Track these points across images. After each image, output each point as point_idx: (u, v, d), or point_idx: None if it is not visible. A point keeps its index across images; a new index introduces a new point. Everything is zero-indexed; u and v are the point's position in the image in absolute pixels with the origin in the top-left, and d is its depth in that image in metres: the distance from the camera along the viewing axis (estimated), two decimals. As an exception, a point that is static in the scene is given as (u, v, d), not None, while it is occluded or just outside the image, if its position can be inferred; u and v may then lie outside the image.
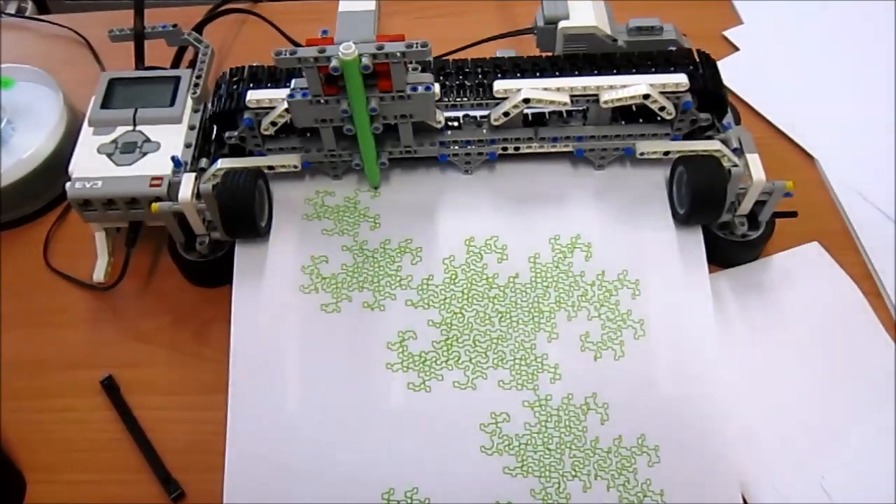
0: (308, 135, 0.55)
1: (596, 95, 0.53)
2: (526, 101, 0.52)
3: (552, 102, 0.52)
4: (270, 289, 0.53)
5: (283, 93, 0.51)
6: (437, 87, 0.52)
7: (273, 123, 0.53)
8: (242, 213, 0.52)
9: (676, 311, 0.51)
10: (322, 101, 0.48)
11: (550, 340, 0.50)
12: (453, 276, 0.52)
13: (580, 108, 0.55)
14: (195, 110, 0.57)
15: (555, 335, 0.50)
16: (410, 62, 0.49)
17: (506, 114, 0.53)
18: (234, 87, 0.54)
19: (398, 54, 0.46)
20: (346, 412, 0.48)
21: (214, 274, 0.57)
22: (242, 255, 0.54)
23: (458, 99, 0.53)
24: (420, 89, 0.49)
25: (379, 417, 0.48)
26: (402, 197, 0.56)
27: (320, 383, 0.49)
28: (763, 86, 0.68)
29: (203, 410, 0.52)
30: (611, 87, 0.53)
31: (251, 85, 0.53)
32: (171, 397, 0.53)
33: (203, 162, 0.55)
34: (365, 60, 0.46)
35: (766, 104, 0.67)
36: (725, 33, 0.73)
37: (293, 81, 0.51)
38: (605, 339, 0.50)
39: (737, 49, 0.72)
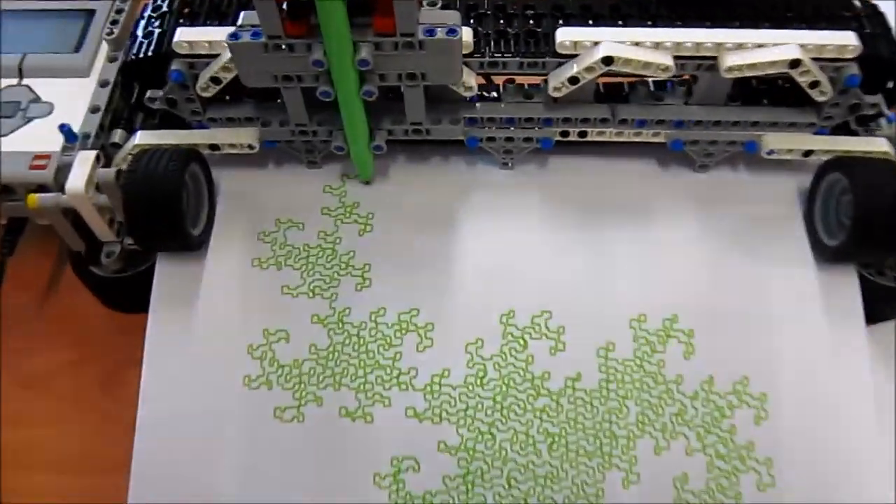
0: (276, 100, 0.37)
1: (714, 58, 0.34)
2: (607, 60, 0.34)
3: (647, 66, 0.34)
4: (203, 331, 0.37)
5: (227, 32, 0.33)
6: (466, 33, 0.34)
7: (215, 80, 0.35)
8: (161, 216, 0.34)
9: (821, 429, 0.35)
10: (283, 46, 0.31)
11: (628, 485, 0.34)
12: (480, 374, 0.35)
13: (683, 78, 0.37)
14: (111, 59, 0.40)
15: (634, 476, 0.34)
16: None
17: (572, 80, 0.35)
18: (160, 22, 0.36)
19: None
20: None
21: (135, 295, 0.40)
22: (165, 276, 0.38)
23: (499, 55, 0.35)
24: (439, 33, 0.31)
25: None
26: (405, 210, 0.38)
27: None
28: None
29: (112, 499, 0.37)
30: (739, 47, 0.34)
31: (181, 20, 0.35)
32: (65, 478, 0.40)
33: (118, 135, 0.38)
34: (352, -20, 0.29)
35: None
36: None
37: (241, 15, 0.33)
38: (712, 487, 0.34)
39: None
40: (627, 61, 0.34)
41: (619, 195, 0.39)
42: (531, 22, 0.36)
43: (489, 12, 0.36)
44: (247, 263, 0.37)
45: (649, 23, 0.35)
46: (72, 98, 0.39)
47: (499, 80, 0.38)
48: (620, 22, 0.36)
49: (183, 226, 0.35)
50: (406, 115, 0.36)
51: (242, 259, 0.37)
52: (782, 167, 0.39)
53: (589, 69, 0.34)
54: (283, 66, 0.33)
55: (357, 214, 0.39)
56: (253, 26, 0.32)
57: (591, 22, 0.35)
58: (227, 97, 0.38)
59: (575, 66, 0.34)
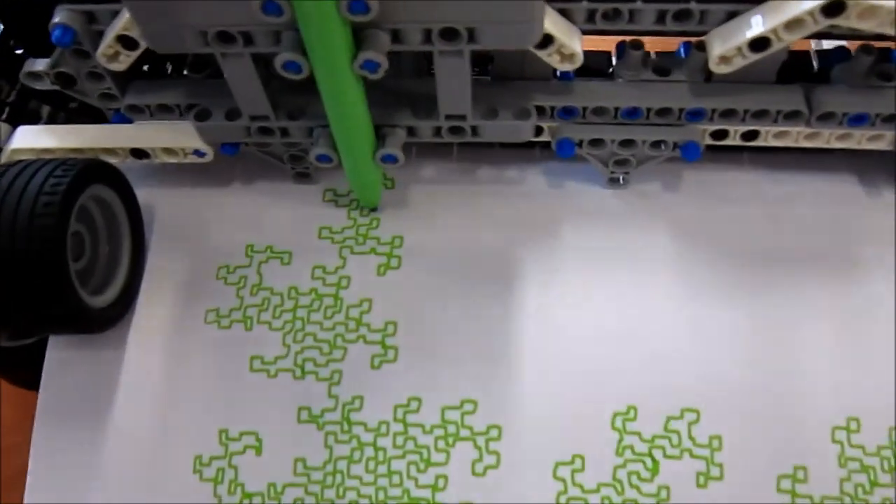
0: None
1: None
2: (834, 8, 0.18)
3: (904, 18, 0.18)
4: (121, 436, 0.24)
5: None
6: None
7: (128, 42, 0.20)
8: (27, 280, 0.20)
9: None
10: None
11: None
12: None
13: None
14: None
15: None
16: None
17: (757, 43, 0.19)
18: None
19: None
20: None
21: (37, 369, 0.26)
22: (56, 367, 0.24)
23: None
24: None
25: None
26: (455, 240, 0.25)
27: None
28: None
29: None
30: None
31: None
32: None
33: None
34: None
35: None
36: None
37: None
38: None
39: None
40: (870, 10, 0.18)
41: (803, 233, 0.25)
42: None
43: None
44: (196, 317, 0.24)
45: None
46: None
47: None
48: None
49: (70, 295, 0.20)
50: (439, 105, 0.21)
51: (189, 310, 0.24)
52: None
53: (792, 24, 0.19)
54: (213, 14, 0.18)
55: (376, 239, 0.25)
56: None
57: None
58: (173, 69, 0.23)
59: (764, 18, 0.19)
